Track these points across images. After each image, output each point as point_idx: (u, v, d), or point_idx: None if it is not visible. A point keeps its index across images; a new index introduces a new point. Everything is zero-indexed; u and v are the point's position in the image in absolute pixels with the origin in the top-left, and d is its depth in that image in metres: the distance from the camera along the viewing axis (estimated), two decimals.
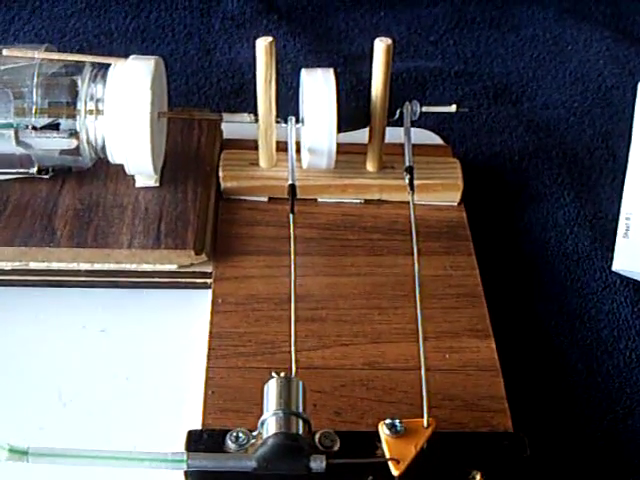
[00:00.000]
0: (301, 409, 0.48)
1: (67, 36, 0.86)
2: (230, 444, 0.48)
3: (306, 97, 0.63)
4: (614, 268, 0.68)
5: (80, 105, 0.62)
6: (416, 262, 0.55)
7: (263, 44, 0.61)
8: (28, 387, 0.57)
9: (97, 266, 0.62)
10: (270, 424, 0.47)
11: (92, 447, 0.45)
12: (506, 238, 0.70)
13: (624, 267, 0.68)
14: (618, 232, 0.69)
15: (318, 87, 0.63)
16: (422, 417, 0.49)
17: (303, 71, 0.65)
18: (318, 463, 0.46)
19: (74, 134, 0.62)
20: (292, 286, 0.55)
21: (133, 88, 0.61)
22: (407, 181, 0.62)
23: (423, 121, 0.80)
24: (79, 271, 0.63)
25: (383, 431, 0.48)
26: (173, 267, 0.63)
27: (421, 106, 0.66)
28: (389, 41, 0.62)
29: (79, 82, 0.62)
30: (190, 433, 0.49)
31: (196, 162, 0.69)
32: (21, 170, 0.63)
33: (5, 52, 0.61)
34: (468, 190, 0.70)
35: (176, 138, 0.71)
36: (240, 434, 0.48)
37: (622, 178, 0.70)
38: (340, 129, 0.66)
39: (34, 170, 0.63)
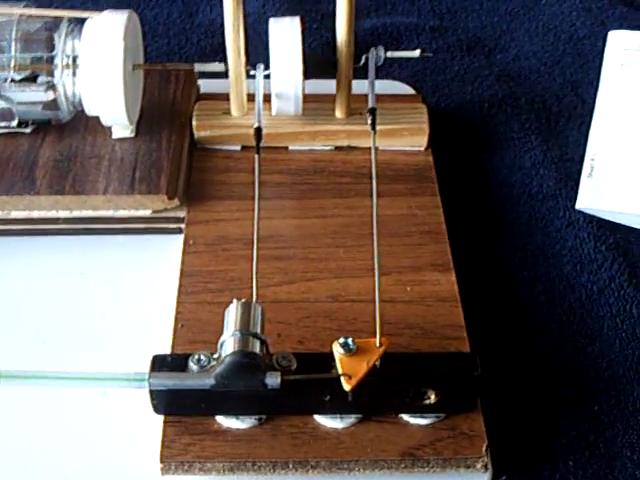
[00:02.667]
0: (259, 330, 0.51)
1: (55, 2, 0.89)
2: (192, 365, 0.50)
3: (271, 43, 0.65)
4: (578, 206, 0.70)
5: (57, 59, 0.64)
6: (374, 202, 0.57)
7: None
8: (9, 327, 0.60)
9: (75, 213, 0.65)
10: (228, 344, 0.49)
11: None
12: (473, 181, 0.72)
13: (588, 205, 0.70)
14: (583, 172, 0.71)
15: (283, 33, 0.65)
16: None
17: (271, 20, 0.67)
18: (273, 379, 0.48)
19: (51, 87, 0.64)
20: (255, 225, 0.57)
21: (105, 41, 0.63)
22: (369, 122, 0.64)
23: (398, 74, 0.83)
24: (59, 219, 0.65)
25: (337, 350, 0.50)
26: (147, 212, 0.65)
27: (385, 52, 0.68)
28: None
29: (56, 37, 0.64)
30: (155, 357, 0.51)
31: (171, 114, 0.72)
32: (2, 124, 0.66)
33: None
34: (437, 137, 0.72)
35: (153, 92, 0.74)
36: (202, 356, 0.51)
37: (589, 123, 0.72)
38: (307, 76, 0.68)
39: (14, 123, 0.65)
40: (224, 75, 0.69)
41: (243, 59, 0.67)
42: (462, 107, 0.79)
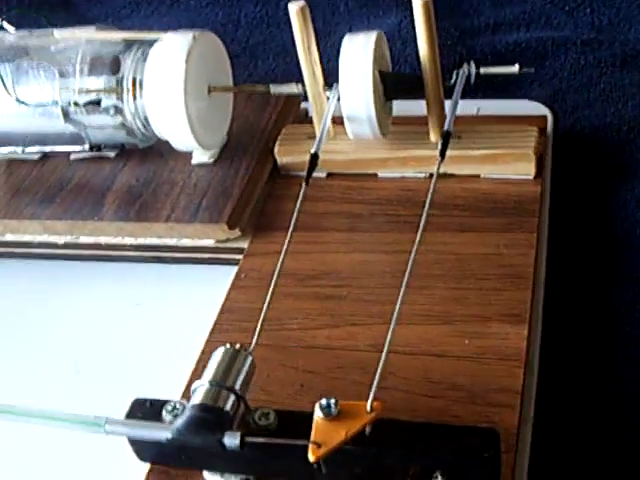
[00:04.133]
0: (238, 383, 0.44)
1: (196, 27, 0.87)
2: (165, 414, 0.45)
3: (341, 62, 0.59)
4: None
5: (123, 82, 0.62)
6: (417, 239, 0.49)
7: (295, 8, 0.58)
8: (46, 352, 0.59)
9: (140, 241, 0.62)
10: (197, 394, 0.44)
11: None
12: (593, 215, 0.61)
13: None
14: None
15: (354, 51, 0.58)
16: (407, 406, 0.45)
17: (345, 37, 0.60)
18: (232, 440, 0.42)
19: (118, 110, 0.62)
20: (280, 260, 0.51)
21: (168, 63, 0.60)
22: (439, 147, 0.55)
23: (537, 92, 0.73)
24: (125, 245, 0.63)
25: (316, 412, 0.42)
26: (210, 242, 0.61)
27: (477, 67, 0.59)
28: None
29: (122, 60, 0.62)
30: (135, 401, 0.47)
31: (260, 139, 0.67)
32: (79, 149, 0.65)
33: (56, 33, 0.63)
34: (563, 163, 0.62)
35: (248, 116, 0.70)
36: (177, 405, 0.45)
37: None
38: (390, 96, 0.61)
39: (86, 147, 0.64)
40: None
41: (320, 80, 0.61)
42: (599, 130, 0.67)
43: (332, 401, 0.42)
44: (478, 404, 0.48)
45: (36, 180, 0.67)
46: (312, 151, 0.57)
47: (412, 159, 0.63)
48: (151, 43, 0.62)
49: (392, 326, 0.45)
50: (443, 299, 0.54)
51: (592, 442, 0.49)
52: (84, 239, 0.63)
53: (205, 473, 0.47)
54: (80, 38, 0.63)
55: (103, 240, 0.63)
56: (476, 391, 0.48)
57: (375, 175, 0.64)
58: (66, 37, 0.63)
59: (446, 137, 0.55)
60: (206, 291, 0.61)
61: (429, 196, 0.52)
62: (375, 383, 0.43)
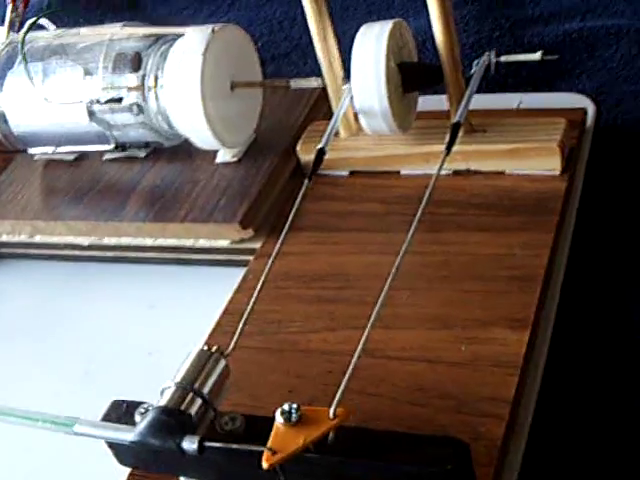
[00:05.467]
0: (207, 388, 0.43)
1: (253, 25, 0.88)
2: (137, 416, 0.44)
3: (353, 53, 0.57)
4: None
5: (145, 80, 0.62)
6: (407, 238, 0.47)
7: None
8: (58, 353, 0.59)
9: (160, 241, 0.62)
10: (164, 397, 0.43)
11: None
12: (626, 214, 0.57)
13: None
14: None
15: (367, 41, 0.56)
16: (393, 415, 0.44)
17: (362, 27, 0.58)
18: (190, 444, 0.41)
19: (141, 109, 0.62)
20: (269, 262, 0.49)
21: (185, 59, 0.60)
22: (447, 139, 0.52)
23: (584, 85, 0.69)
24: (145, 247, 0.63)
25: (277, 417, 0.41)
26: (226, 243, 0.61)
27: (497, 56, 0.56)
28: None
29: (145, 57, 0.62)
30: (113, 402, 0.46)
31: (286, 137, 0.66)
32: (103, 148, 0.65)
33: (83, 30, 0.64)
34: (603, 158, 0.59)
35: (279, 114, 0.69)
36: (149, 407, 0.45)
37: None
38: (408, 89, 0.59)
39: (112, 146, 0.64)
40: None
41: (339, 72, 0.60)
42: None
43: (294, 406, 0.41)
44: (465, 413, 0.45)
45: (69, 181, 0.68)
46: (319, 146, 0.55)
47: (434, 155, 0.60)
48: (176, 39, 0.62)
49: (367, 330, 0.43)
50: (446, 302, 0.52)
51: (599, 462, 0.46)
52: (107, 240, 0.64)
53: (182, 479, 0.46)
54: (105, 35, 0.63)
55: (125, 241, 0.63)
56: (465, 400, 0.46)
57: (398, 172, 0.62)
58: (92, 35, 0.64)
59: (454, 129, 0.53)
60: (219, 293, 0.60)
61: (427, 194, 0.49)
62: (341, 389, 0.41)
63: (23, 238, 0.66)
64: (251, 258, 0.60)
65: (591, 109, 0.64)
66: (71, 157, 0.69)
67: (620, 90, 0.66)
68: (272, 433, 0.40)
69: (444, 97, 0.60)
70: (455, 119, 0.53)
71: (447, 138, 0.52)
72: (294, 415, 0.40)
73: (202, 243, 0.61)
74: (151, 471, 0.46)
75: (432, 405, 0.46)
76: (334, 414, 0.40)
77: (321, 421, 0.40)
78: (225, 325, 0.54)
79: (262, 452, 0.40)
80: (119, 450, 0.46)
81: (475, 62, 0.57)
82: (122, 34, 0.63)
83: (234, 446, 0.41)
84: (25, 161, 0.71)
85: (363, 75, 0.56)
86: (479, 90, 0.68)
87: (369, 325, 0.43)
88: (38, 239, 0.65)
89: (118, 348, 0.58)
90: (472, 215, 0.57)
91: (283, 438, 0.40)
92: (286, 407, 0.41)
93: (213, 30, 0.60)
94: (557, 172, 0.57)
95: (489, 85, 0.71)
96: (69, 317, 0.62)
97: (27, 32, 0.65)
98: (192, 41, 0.60)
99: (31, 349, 0.60)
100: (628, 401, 0.47)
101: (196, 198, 0.62)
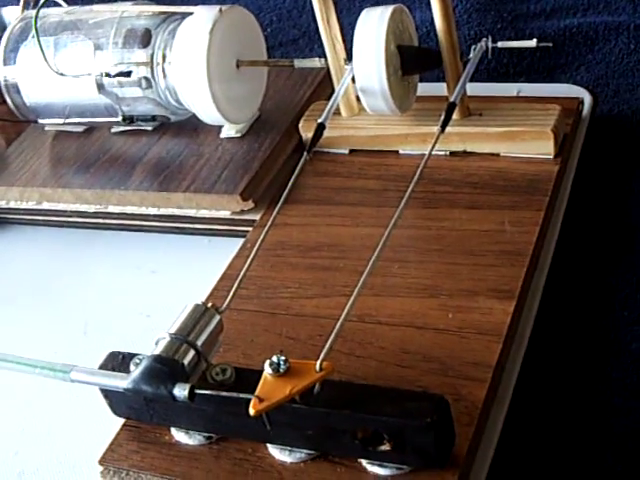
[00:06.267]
0: (201, 339, 0.45)
1: (263, 12, 0.89)
2: (132, 366, 0.46)
3: (355, 35, 0.59)
4: None
5: (154, 56, 0.64)
6: (396, 214, 0.49)
7: None
8: (59, 315, 0.61)
9: (162, 211, 0.64)
10: (158, 346, 0.45)
11: None
12: (614, 199, 0.59)
13: None
14: None
15: (369, 24, 0.58)
16: (379, 375, 0.46)
17: (364, 11, 0.60)
18: (181, 391, 0.42)
19: (149, 83, 0.64)
20: (264, 232, 0.51)
21: (192, 37, 0.62)
22: (442, 119, 0.54)
23: (582, 77, 0.70)
24: (149, 215, 0.65)
25: (266, 368, 0.43)
26: (227, 214, 0.62)
27: (494, 42, 0.58)
28: None
29: (155, 34, 0.64)
30: (110, 353, 0.48)
31: (290, 116, 0.68)
32: (110, 120, 0.67)
33: (95, 7, 0.66)
34: (598, 145, 0.61)
35: (284, 93, 0.70)
36: (143, 357, 0.46)
37: None
38: (407, 71, 0.60)
39: (119, 119, 0.66)
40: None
41: (342, 54, 0.61)
42: (636, 114, 0.64)
43: (282, 359, 0.42)
44: (449, 376, 0.47)
45: (77, 151, 0.70)
46: (319, 120, 0.57)
47: (431, 136, 0.61)
48: (185, 18, 0.64)
49: (354, 296, 0.45)
50: (436, 273, 0.53)
51: (575, 428, 0.47)
52: (112, 208, 0.65)
53: (172, 430, 0.48)
54: (116, 12, 0.65)
55: (129, 210, 0.65)
56: (450, 364, 0.47)
57: (397, 152, 0.64)
58: (103, 11, 0.66)
59: (449, 109, 0.55)
60: (219, 262, 0.61)
61: (417, 172, 0.51)
62: (328, 344, 0.43)
63: (31, 205, 0.68)
64: (251, 229, 0.62)
65: (588, 99, 0.66)
66: (80, 129, 0.71)
67: (617, 83, 0.68)
68: (260, 382, 0.42)
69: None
70: (451, 99, 0.55)
71: (442, 117, 0.54)
72: (282, 366, 0.42)
73: (203, 213, 0.63)
74: (144, 421, 0.48)
75: (417, 367, 0.48)
76: (320, 367, 0.42)
77: (308, 373, 0.42)
78: (222, 289, 0.56)
79: (250, 400, 0.41)
80: (113, 400, 0.48)
81: (472, 47, 0.58)
82: (133, 11, 0.65)
83: (223, 394, 0.43)
84: (36, 131, 0.73)
85: (364, 56, 0.58)
86: (480, 79, 0.70)
87: (356, 290, 0.45)
88: (45, 206, 0.67)
89: (118, 310, 0.60)
90: (466, 194, 0.58)
91: (271, 387, 0.42)
92: (275, 359, 0.42)
93: (220, 10, 0.62)
94: (550, 156, 0.59)
95: (491, 75, 0.73)
96: (72, 281, 0.64)
97: (41, 7, 0.67)
98: (200, 20, 0.62)
99: (34, 310, 0.62)
100: (607, 371, 0.49)
101: (199, 170, 0.64)
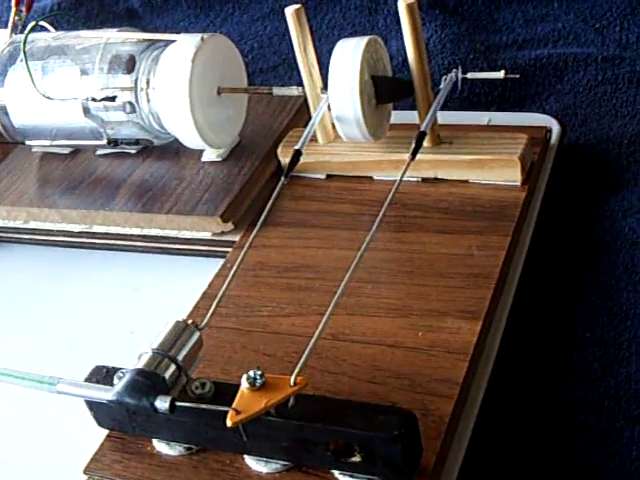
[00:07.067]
0: (182, 354, 0.47)
1: (244, 39, 0.92)
2: (116, 379, 0.48)
3: (331, 65, 0.61)
4: None
5: (138, 82, 0.67)
6: (368, 238, 0.51)
7: (290, 11, 0.62)
8: (42, 331, 0.63)
9: (146, 231, 0.66)
10: (141, 360, 0.47)
11: None
12: (580, 224, 0.62)
13: None
14: None
15: (344, 55, 0.61)
16: (351, 391, 0.48)
17: (339, 42, 0.63)
18: (162, 403, 0.45)
19: (132, 106, 0.67)
20: (242, 253, 0.53)
21: (175, 64, 0.64)
22: (412, 147, 0.57)
23: (551, 106, 0.74)
24: (132, 236, 0.67)
25: (243, 382, 0.45)
26: (208, 235, 0.65)
27: (464, 72, 0.61)
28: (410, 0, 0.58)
29: (139, 60, 0.67)
30: (95, 367, 0.50)
31: (269, 141, 0.70)
32: (95, 142, 0.69)
33: (82, 33, 0.69)
34: (563, 173, 0.64)
35: (264, 120, 0.73)
36: (127, 371, 0.49)
37: None
38: (381, 100, 0.63)
39: (104, 142, 0.69)
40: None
41: (318, 82, 0.64)
42: (602, 143, 0.68)
43: (258, 373, 0.45)
44: (418, 392, 0.49)
45: (63, 172, 0.72)
46: (296, 147, 0.59)
47: (403, 163, 0.64)
48: (168, 45, 0.67)
49: (327, 314, 0.47)
50: (407, 294, 0.56)
51: (538, 443, 0.50)
52: (97, 228, 0.68)
53: (154, 441, 0.50)
54: (102, 38, 0.68)
55: (113, 230, 0.67)
56: (419, 380, 0.50)
57: (371, 178, 0.66)
58: (90, 37, 0.68)
59: (419, 137, 0.57)
60: (200, 281, 0.64)
61: (389, 197, 0.54)
62: (302, 360, 0.45)
63: (18, 224, 0.70)
64: (230, 250, 0.64)
65: (556, 128, 0.69)
66: (66, 151, 0.74)
67: (584, 112, 0.71)
68: (237, 396, 0.44)
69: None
70: (421, 129, 0.58)
71: (412, 146, 0.57)
72: (258, 381, 0.44)
73: (185, 234, 0.65)
74: (127, 432, 0.50)
75: (388, 384, 0.50)
76: (294, 382, 0.44)
77: (283, 388, 0.44)
78: (202, 307, 0.58)
79: (227, 412, 0.44)
80: (98, 411, 0.50)
81: (443, 78, 0.61)
82: (118, 38, 0.68)
83: (203, 406, 0.45)
84: (23, 153, 0.75)
85: (339, 86, 0.61)
86: (454, 107, 0.73)
87: (329, 309, 0.48)
88: (32, 225, 0.69)
89: (102, 326, 0.62)
90: (436, 219, 0.61)
91: (247, 400, 0.44)
92: (251, 373, 0.45)
93: (202, 38, 0.65)
94: (517, 183, 0.62)
95: (463, 103, 0.76)
96: (57, 298, 0.66)
97: (29, 32, 0.70)
98: (182, 47, 0.65)
99: (21, 325, 0.64)
100: (569, 389, 0.51)
101: (181, 193, 0.66)
